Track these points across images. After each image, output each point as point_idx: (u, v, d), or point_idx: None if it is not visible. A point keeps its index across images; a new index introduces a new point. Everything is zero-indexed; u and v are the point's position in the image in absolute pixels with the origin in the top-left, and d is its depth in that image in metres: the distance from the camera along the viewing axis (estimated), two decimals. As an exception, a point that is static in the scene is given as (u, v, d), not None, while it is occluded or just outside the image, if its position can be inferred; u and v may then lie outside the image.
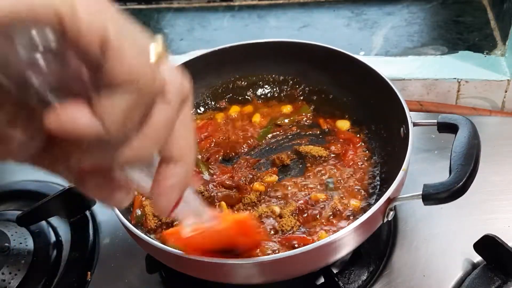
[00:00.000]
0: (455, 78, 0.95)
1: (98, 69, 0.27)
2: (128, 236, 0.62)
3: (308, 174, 0.74)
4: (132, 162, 0.31)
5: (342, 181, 0.72)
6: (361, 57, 0.87)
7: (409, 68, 0.99)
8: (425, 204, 0.55)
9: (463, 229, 0.72)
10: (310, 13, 1.21)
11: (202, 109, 0.88)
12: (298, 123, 0.83)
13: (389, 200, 0.57)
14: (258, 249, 0.58)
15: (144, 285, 0.72)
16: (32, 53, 0.26)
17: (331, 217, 0.67)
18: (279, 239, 0.65)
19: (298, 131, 0.82)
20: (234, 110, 0.87)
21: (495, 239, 0.64)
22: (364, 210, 0.68)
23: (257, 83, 0.89)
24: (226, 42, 0.84)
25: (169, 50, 0.31)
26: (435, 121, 0.64)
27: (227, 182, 0.72)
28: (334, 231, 0.64)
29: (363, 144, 0.77)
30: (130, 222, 0.67)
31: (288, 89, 0.88)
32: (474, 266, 0.68)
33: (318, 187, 0.72)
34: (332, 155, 0.76)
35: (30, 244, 0.77)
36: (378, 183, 0.71)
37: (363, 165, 0.74)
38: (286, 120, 0.83)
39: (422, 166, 0.80)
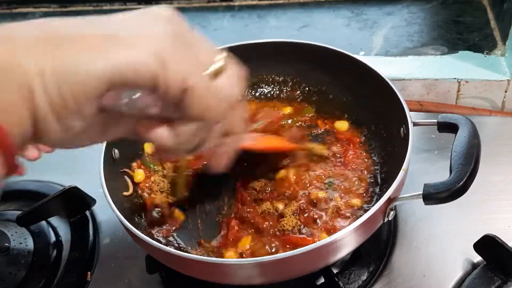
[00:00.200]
0: (455, 78, 0.95)
1: (177, 105, 0.38)
2: (128, 236, 0.62)
3: (309, 173, 0.74)
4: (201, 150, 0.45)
5: (342, 181, 0.72)
6: (361, 57, 0.87)
7: (409, 68, 0.99)
8: (425, 204, 0.55)
9: (463, 229, 0.72)
10: (310, 13, 1.21)
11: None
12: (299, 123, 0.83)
13: (390, 200, 0.57)
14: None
15: (144, 285, 0.72)
16: (129, 99, 0.38)
17: (332, 217, 0.67)
18: (280, 239, 0.65)
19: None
20: None
21: (495, 239, 0.64)
22: (364, 210, 0.68)
23: (257, 83, 0.89)
24: (226, 42, 0.84)
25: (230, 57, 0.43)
26: (435, 121, 0.64)
27: None
28: (335, 231, 0.64)
29: (363, 144, 0.77)
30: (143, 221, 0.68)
31: (288, 89, 0.88)
32: (474, 266, 0.68)
33: (319, 186, 0.72)
34: (333, 156, 0.76)
35: (30, 244, 0.77)
36: (378, 183, 0.71)
37: (363, 165, 0.74)
38: (289, 121, 0.83)
39: (422, 166, 0.80)
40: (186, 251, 0.67)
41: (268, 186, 0.72)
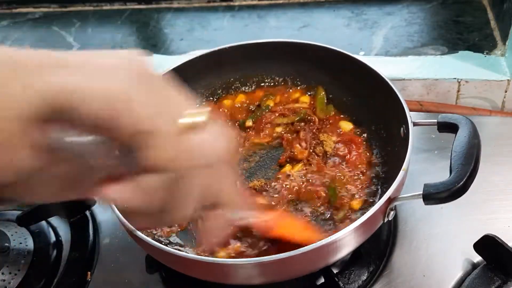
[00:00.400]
0: (455, 78, 0.95)
1: (134, 153, 0.32)
2: (128, 236, 0.62)
3: (309, 172, 0.74)
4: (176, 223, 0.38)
5: (342, 180, 0.72)
6: (361, 57, 0.87)
7: (409, 68, 0.99)
8: (425, 204, 0.55)
9: (463, 229, 0.72)
10: (310, 13, 1.21)
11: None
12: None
13: (390, 200, 0.57)
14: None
15: (144, 285, 0.72)
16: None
17: (332, 216, 0.67)
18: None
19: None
20: (240, 99, 0.87)
21: (495, 239, 0.64)
22: (364, 210, 0.68)
23: (257, 83, 0.89)
24: (226, 42, 0.84)
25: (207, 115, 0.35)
26: (435, 121, 0.64)
27: None
28: (334, 231, 0.64)
29: (363, 144, 0.77)
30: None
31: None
32: (474, 266, 0.68)
33: (319, 184, 0.72)
34: (336, 155, 0.76)
35: (30, 244, 0.77)
36: (378, 183, 0.71)
37: (363, 165, 0.74)
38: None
39: (422, 166, 0.80)
40: (186, 251, 0.67)
41: (267, 186, 0.72)
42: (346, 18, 1.17)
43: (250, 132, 0.81)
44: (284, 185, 0.72)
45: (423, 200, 0.55)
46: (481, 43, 1.02)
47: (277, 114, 0.82)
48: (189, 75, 0.83)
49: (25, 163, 0.30)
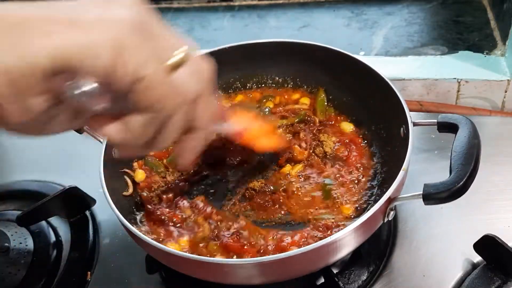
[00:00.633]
0: (455, 78, 0.95)
1: (126, 96, 0.37)
2: (128, 236, 0.62)
3: (308, 172, 0.74)
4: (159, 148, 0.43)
5: (342, 180, 0.72)
6: (361, 57, 0.87)
7: (409, 68, 0.99)
8: (425, 204, 0.55)
9: (463, 229, 0.72)
10: (310, 13, 1.21)
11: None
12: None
13: (390, 200, 0.57)
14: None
15: (144, 285, 0.72)
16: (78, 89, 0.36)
17: (332, 216, 0.67)
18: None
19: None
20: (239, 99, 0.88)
21: (495, 239, 0.64)
22: (364, 210, 0.68)
23: (257, 83, 0.89)
24: (226, 42, 0.84)
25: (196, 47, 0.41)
26: (435, 121, 0.64)
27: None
28: (334, 231, 0.64)
29: (363, 144, 0.77)
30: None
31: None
32: (474, 266, 0.68)
33: (318, 183, 0.72)
34: (336, 156, 0.76)
35: (30, 244, 0.77)
36: (378, 183, 0.71)
37: (363, 165, 0.74)
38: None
39: (422, 166, 0.80)
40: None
41: (267, 186, 0.72)
42: (346, 18, 1.17)
43: None
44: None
45: (423, 200, 0.55)
46: (481, 43, 1.02)
47: (277, 116, 0.82)
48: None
49: (37, 106, 0.36)
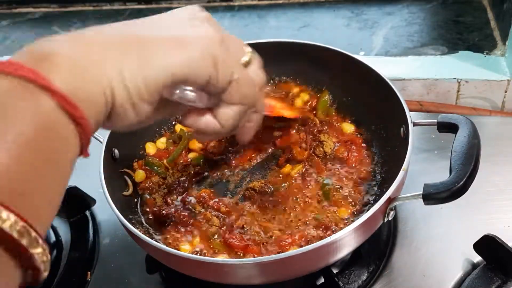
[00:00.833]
0: (455, 78, 0.95)
1: (219, 95, 0.47)
2: (128, 236, 0.62)
3: (308, 172, 0.74)
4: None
5: (342, 180, 0.72)
6: (361, 57, 0.87)
7: (409, 68, 0.99)
8: (425, 204, 0.55)
9: (463, 229, 0.72)
10: (310, 13, 1.21)
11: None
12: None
13: (390, 200, 0.57)
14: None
15: (144, 285, 0.73)
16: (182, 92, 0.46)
17: (332, 216, 0.67)
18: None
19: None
20: None
21: (495, 239, 0.64)
22: (364, 210, 0.68)
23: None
24: (226, 42, 0.84)
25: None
26: (435, 121, 0.64)
27: None
28: (334, 231, 0.64)
29: (363, 144, 0.77)
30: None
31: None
32: (474, 266, 0.68)
33: (318, 183, 0.72)
34: (336, 156, 0.76)
35: (30, 244, 0.77)
36: (378, 183, 0.71)
37: (363, 165, 0.74)
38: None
39: (422, 166, 0.80)
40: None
41: (267, 186, 0.72)
42: (346, 18, 1.17)
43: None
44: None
45: (423, 200, 0.55)
46: (481, 43, 1.02)
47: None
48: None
49: (149, 111, 0.43)
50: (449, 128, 0.63)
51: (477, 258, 0.68)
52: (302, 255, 0.53)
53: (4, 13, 1.38)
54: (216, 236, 0.67)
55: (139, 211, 0.72)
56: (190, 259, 0.55)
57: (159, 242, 0.63)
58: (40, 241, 0.32)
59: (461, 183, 0.54)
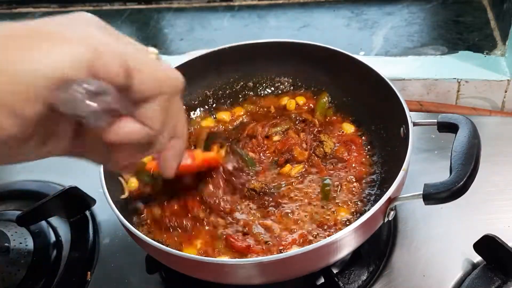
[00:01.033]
0: (455, 78, 0.95)
1: (129, 90, 0.38)
2: (128, 236, 0.62)
3: (308, 172, 0.74)
4: (159, 150, 0.45)
5: (342, 180, 0.72)
6: (361, 57, 0.87)
7: (409, 68, 0.99)
8: (425, 204, 0.55)
9: (463, 229, 0.72)
10: (310, 13, 1.21)
11: (203, 109, 0.88)
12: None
13: (390, 200, 0.57)
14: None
15: (144, 285, 0.72)
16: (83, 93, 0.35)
17: (332, 216, 0.67)
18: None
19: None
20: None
21: (495, 239, 0.64)
22: (364, 210, 0.68)
23: (257, 83, 0.89)
24: (226, 42, 0.84)
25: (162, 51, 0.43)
26: (435, 121, 0.64)
27: None
28: (334, 231, 0.64)
29: (363, 144, 0.77)
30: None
31: (289, 89, 0.89)
32: (474, 266, 0.68)
33: (317, 187, 0.72)
34: (335, 156, 0.76)
35: (30, 244, 0.77)
36: (378, 183, 0.71)
37: (363, 165, 0.74)
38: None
39: (422, 166, 0.80)
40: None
41: (267, 187, 0.72)
42: (346, 18, 1.17)
43: (254, 149, 0.79)
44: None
45: (423, 200, 0.55)
46: (481, 43, 1.02)
47: (265, 128, 0.81)
48: (189, 75, 0.83)
49: (34, 115, 0.35)
50: (449, 128, 0.63)
51: (477, 258, 0.68)
52: (302, 255, 0.53)
53: (4, 13, 1.38)
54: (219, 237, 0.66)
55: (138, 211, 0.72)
56: (190, 259, 0.55)
57: (159, 242, 0.63)
58: None
59: (461, 183, 0.54)
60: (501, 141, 0.85)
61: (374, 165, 0.74)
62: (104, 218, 0.82)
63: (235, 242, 0.64)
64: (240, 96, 0.89)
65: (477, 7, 1.13)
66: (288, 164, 0.75)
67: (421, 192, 0.55)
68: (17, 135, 0.35)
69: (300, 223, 0.67)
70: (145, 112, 0.39)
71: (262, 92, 0.89)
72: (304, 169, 0.74)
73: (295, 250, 0.54)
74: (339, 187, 0.71)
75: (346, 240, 0.56)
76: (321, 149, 0.76)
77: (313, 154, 0.76)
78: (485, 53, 1.00)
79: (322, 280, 0.67)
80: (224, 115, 0.86)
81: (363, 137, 0.78)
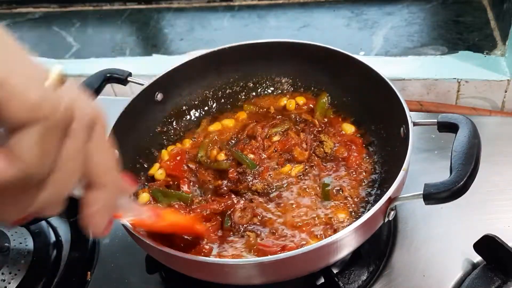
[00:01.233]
0: (455, 78, 0.95)
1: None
2: (128, 236, 0.62)
3: (308, 172, 0.74)
4: (55, 199, 0.34)
5: (342, 180, 0.72)
6: (361, 57, 0.87)
7: (409, 68, 0.99)
8: (426, 204, 0.55)
9: (463, 229, 0.72)
10: (310, 13, 1.21)
11: (204, 109, 0.88)
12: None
13: (390, 200, 0.57)
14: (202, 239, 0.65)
15: (144, 285, 0.72)
16: None
17: (332, 216, 0.67)
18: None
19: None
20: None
21: (495, 239, 0.64)
22: (364, 210, 0.68)
23: (257, 83, 0.89)
24: (226, 42, 0.84)
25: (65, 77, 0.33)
26: (435, 120, 0.64)
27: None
28: (334, 231, 0.64)
29: (363, 144, 0.77)
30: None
31: (289, 89, 0.89)
32: (474, 266, 0.68)
33: (317, 188, 0.72)
34: (336, 156, 0.76)
35: (30, 244, 0.77)
36: (378, 183, 0.71)
37: (363, 165, 0.74)
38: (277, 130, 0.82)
39: (422, 166, 0.80)
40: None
41: (269, 187, 0.72)
42: (346, 18, 1.17)
43: (254, 150, 0.78)
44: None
45: (424, 200, 0.55)
46: (481, 43, 1.02)
47: (265, 128, 0.81)
48: (189, 75, 0.83)
49: None
50: (449, 128, 0.63)
51: (477, 258, 0.68)
52: (302, 255, 0.53)
53: (4, 13, 1.38)
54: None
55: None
56: (190, 259, 0.55)
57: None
58: None
59: (461, 183, 0.54)
60: (501, 141, 0.85)
61: (374, 165, 0.74)
62: (104, 218, 0.82)
63: (267, 248, 0.63)
64: (240, 96, 0.89)
65: (477, 7, 1.13)
66: (288, 165, 0.75)
67: (421, 192, 0.55)
68: None
69: (300, 223, 0.67)
70: (16, 142, 0.30)
71: (262, 92, 0.89)
72: (304, 169, 0.74)
73: (295, 250, 0.53)
74: (339, 187, 0.71)
75: (346, 240, 0.56)
76: (321, 149, 0.76)
77: (313, 154, 0.76)
78: (485, 53, 1.00)
79: (322, 280, 0.67)
80: (229, 122, 0.85)
81: (363, 137, 0.78)
